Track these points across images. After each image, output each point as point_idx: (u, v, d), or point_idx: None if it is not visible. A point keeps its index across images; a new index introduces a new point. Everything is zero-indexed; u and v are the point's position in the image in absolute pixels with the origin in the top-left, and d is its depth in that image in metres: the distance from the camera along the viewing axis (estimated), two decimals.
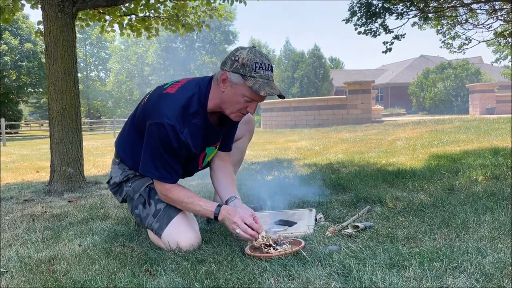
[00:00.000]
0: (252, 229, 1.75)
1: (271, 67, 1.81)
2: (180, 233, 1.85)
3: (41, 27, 4.52)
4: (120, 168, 2.10)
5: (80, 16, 5.17)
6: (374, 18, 7.88)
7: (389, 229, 1.91)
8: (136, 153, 1.95)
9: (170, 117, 1.78)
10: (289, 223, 2.17)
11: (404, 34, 8.22)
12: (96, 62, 47.56)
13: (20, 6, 5.18)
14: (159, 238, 1.90)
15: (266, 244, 1.69)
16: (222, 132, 2.03)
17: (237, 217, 1.77)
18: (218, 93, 1.84)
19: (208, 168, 2.39)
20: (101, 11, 5.28)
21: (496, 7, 8.65)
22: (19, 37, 31.53)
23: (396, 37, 8.23)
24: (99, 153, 9.06)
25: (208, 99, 1.86)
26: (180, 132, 1.80)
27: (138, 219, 2.04)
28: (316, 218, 2.20)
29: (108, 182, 2.18)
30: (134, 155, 1.98)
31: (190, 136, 1.84)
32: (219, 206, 1.83)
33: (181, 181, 2.03)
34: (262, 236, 1.73)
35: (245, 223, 1.76)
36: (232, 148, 2.18)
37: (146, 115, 1.88)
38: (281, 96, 1.80)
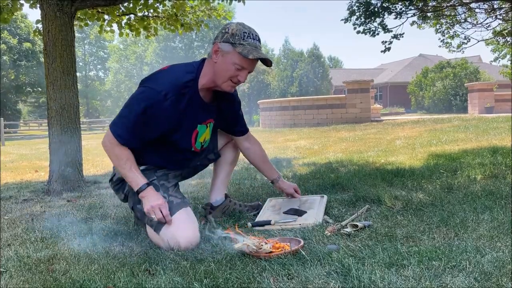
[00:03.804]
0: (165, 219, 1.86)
1: (259, 38, 1.94)
2: (179, 231, 1.83)
3: (40, 26, 4.50)
4: None
5: (79, 15, 5.16)
6: (373, 18, 7.90)
7: (388, 228, 1.91)
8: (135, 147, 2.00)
9: (160, 84, 1.88)
10: (299, 213, 2.20)
11: (403, 33, 8.24)
12: (95, 62, 47.53)
13: (19, 5, 5.17)
14: (158, 235, 1.88)
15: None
16: (214, 107, 2.10)
17: (155, 203, 1.87)
18: (212, 67, 1.93)
19: (205, 168, 2.46)
20: (100, 10, 5.27)
21: (495, 6, 8.65)
22: (17, 37, 31.48)
23: (395, 37, 8.24)
24: (98, 152, 9.05)
25: (200, 74, 1.96)
26: (164, 99, 1.86)
27: (138, 215, 2.04)
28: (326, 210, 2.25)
29: (110, 180, 2.20)
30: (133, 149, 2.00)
31: (175, 104, 1.90)
32: (148, 184, 1.92)
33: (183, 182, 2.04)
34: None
35: (161, 211, 1.86)
36: (248, 129, 2.36)
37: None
38: (268, 62, 1.90)
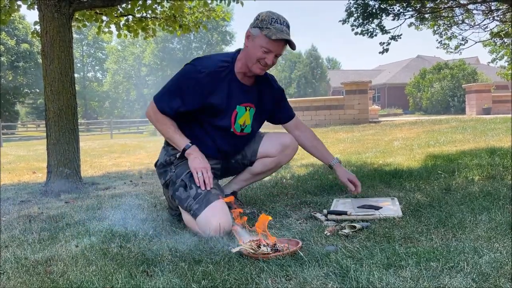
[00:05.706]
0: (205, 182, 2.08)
1: (287, 24, 2.07)
2: (216, 216, 1.98)
3: (38, 27, 4.50)
4: (164, 150, 2.33)
5: (76, 16, 5.15)
6: (370, 19, 7.91)
7: (386, 229, 1.91)
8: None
9: (201, 63, 2.11)
10: (375, 207, 2.23)
11: (401, 34, 8.26)
12: (93, 63, 47.46)
13: (16, 7, 5.16)
14: (194, 220, 2.03)
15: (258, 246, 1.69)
16: (254, 90, 2.25)
17: (202, 165, 2.10)
18: (244, 52, 2.12)
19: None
20: (98, 11, 5.26)
21: (492, 7, 8.68)
22: (15, 38, 31.46)
23: (393, 38, 8.26)
24: (96, 154, 9.04)
25: (236, 59, 2.16)
26: (200, 73, 2.07)
27: (177, 202, 2.16)
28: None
29: (155, 164, 2.40)
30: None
31: (213, 81, 2.10)
32: (191, 143, 2.16)
33: None
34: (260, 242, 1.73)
35: (203, 173, 2.09)
36: (294, 115, 2.50)
37: None
38: (292, 45, 2.05)
